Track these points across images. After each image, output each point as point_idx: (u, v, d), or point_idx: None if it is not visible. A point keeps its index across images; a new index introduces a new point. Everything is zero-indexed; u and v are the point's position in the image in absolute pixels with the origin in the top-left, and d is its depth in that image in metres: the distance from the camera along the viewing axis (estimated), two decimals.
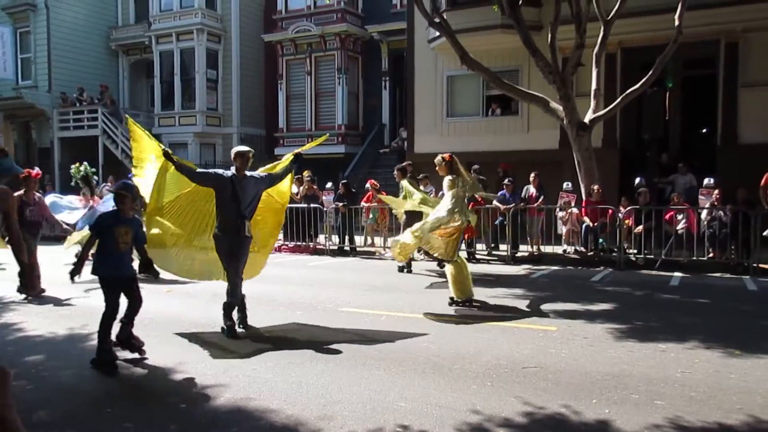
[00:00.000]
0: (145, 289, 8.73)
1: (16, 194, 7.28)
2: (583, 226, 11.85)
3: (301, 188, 14.09)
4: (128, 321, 5.36)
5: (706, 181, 11.68)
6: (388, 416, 3.92)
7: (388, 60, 21.67)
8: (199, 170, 6.30)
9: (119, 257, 5.26)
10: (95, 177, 14.33)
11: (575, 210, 12.24)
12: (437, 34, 14.73)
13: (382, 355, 5.34)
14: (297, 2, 21.91)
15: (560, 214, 12.45)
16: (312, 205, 13.66)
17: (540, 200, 12.37)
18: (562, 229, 12.58)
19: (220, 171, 6.42)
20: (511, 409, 4.03)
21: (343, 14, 21.06)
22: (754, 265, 10.05)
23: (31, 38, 23.71)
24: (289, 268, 9.69)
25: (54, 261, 12.75)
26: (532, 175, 12.76)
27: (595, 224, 11.66)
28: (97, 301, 8.03)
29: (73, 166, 14.66)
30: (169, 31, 22.90)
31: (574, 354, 5.35)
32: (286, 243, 14.07)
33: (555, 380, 4.64)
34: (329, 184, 15.32)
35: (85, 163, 15.00)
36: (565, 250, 12.19)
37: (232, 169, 6.19)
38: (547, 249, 12.12)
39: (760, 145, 12.85)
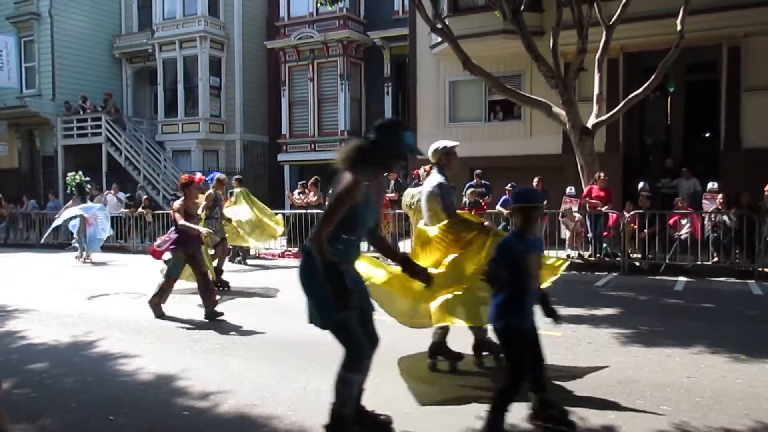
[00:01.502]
0: (147, 297, 8.77)
1: None
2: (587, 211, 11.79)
3: (310, 195, 14.09)
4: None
5: (709, 185, 11.65)
6: (394, 423, 3.89)
7: (390, 66, 21.70)
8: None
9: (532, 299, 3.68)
10: (88, 185, 14.44)
11: (578, 215, 12.22)
12: (439, 39, 14.75)
13: (388, 361, 5.31)
14: (299, 9, 21.96)
15: (564, 219, 12.43)
16: (316, 212, 13.67)
17: (543, 205, 12.34)
18: (566, 234, 12.55)
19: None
20: (516, 415, 4.00)
21: (345, 21, 21.12)
22: (759, 269, 10.00)
23: (35, 47, 23.82)
24: (294, 275, 9.66)
25: (57, 269, 12.78)
26: (536, 180, 12.76)
27: (600, 209, 11.55)
28: (99, 309, 8.06)
29: (69, 175, 14.80)
30: (172, 38, 23.00)
31: (578, 359, 5.33)
32: (290, 249, 14.08)
33: (560, 386, 4.61)
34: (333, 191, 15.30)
35: (80, 172, 15.11)
36: (568, 255, 12.15)
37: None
38: (551, 254, 12.06)
39: (763, 149, 12.82)
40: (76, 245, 14.21)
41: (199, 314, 7.53)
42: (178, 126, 23.28)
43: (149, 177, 21.72)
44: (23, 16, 23.75)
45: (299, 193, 14.73)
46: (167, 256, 7.38)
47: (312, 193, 14.14)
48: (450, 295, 4.60)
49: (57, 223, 14.04)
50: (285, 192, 19.12)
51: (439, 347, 5.17)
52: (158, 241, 7.95)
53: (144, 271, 12.30)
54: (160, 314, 7.31)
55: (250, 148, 23.81)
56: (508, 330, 3.57)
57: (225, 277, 9.78)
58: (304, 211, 13.80)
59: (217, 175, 9.95)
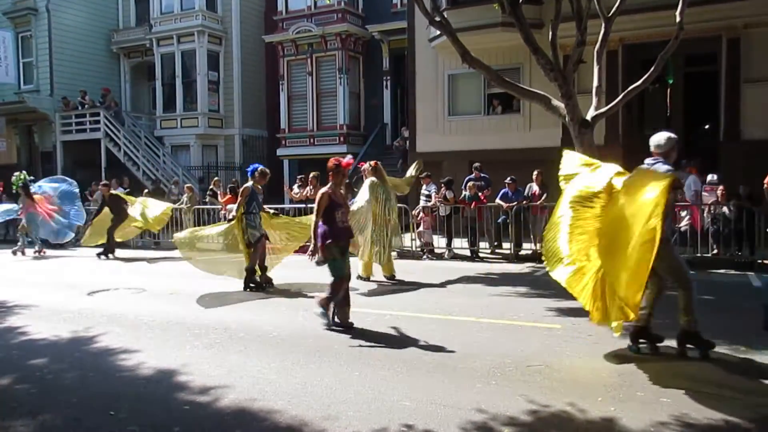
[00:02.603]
0: (148, 292, 8.79)
1: None
2: None
3: (308, 189, 14.03)
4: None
5: (709, 177, 11.64)
6: (392, 416, 3.91)
7: (389, 59, 21.65)
8: None
9: None
10: (33, 184, 14.65)
11: None
12: (438, 32, 14.69)
13: (386, 354, 5.33)
14: (297, 3, 21.89)
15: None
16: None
17: (543, 198, 12.35)
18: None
19: None
20: (516, 408, 4.02)
21: (343, 14, 21.05)
22: (759, 261, 10.01)
23: (33, 42, 23.73)
24: (293, 269, 9.68)
25: (58, 265, 12.79)
26: (535, 173, 12.74)
27: None
28: (100, 305, 8.07)
29: (15, 174, 14.87)
30: (169, 33, 22.92)
31: (578, 352, 5.34)
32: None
33: (560, 378, 4.62)
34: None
35: (24, 172, 15.22)
36: None
37: None
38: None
39: (762, 141, 12.80)
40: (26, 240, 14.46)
41: (199, 309, 7.53)
42: (176, 121, 23.23)
43: (148, 172, 21.70)
44: (20, 11, 23.65)
45: (298, 187, 14.71)
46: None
47: (312, 187, 14.11)
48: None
49: None
50: (284, 186, 19.12)
51: (642, 332, 5.33)
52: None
53: (144, 266, 12.32)
54: (329, 322, 6.28)
55: (249, 142, 23.77)
56: None
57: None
58: (303, 206, 13.77)
59: (260, 167, 9.22)
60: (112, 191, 14.29)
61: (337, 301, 6.25)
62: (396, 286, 9.20)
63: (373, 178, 9.59)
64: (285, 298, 8.20)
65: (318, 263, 6.26)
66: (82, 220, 14.54)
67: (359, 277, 9.39)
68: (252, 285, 8.75)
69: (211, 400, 4.30)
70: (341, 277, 6.21)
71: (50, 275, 11.20)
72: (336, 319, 6.30)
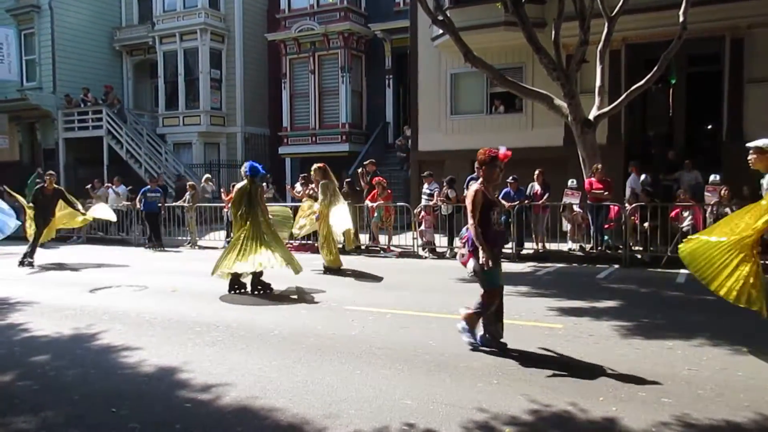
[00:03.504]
0: (150, 289, 8.80)
1: None
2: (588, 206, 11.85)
3: (310, 187, 13.99)
4: None
5: (712, 177, 11.62)
6: (394, 414, 3.91)
7: (391, 58, 21.64)
8: None
9: None
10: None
11: (577, 208, 12.20)
12: (440, 31, 14.69)
13: (387, 353, 5.32)
14: (300, 1, 21.87)
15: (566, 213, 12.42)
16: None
17: (545, 197, 12.34)
18: (567, 227, 12.54)
19: None
20: (518, 407, 4.02)
21: (346, 13, 21.04)
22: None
23: (36, 40, 23.76)
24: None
25: (58, 261, 12.79)
26: (537, 172, 12.74)
27: (604, 194, 11.60)
28: (101, 302, 8.08)
29: None
30: (172, 31, 22.92)
31: (580, 352, 5.33)
32: (291, 242, 14.06)
33: (561, 378, 4.62)
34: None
35: None
36: (570, 248, 12.15)
37: None
38: (552, 246, 12.09)
39: None
40: None
41: (200, 307, 7.53)
42: (178, 119, 23.25)
43: (150, 170, 21.72)
44: (23, 8, 23.67)
45: (300, 185, 14.69)
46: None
47: (314, 185, 14.09)
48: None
49: None
50: (286, 186, 19.13)
51: None
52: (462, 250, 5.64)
53: (146, 264, 12.32)
54: (475, 341, 5.45)
55: (251, 140, 23.78)
56: None
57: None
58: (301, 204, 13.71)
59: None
60: (55, 186, 12.62)
61: (489, 315, 5.41)
62: (393, 284, 9.19)
63: (325, 180, 10.21)
64: (286, 297, 8.20)
65: (473, 272, 5.34)
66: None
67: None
68: (259, 287, 8.56)
69: (212, 398, 4.30)
70: (494, 287, 5.32)
71: (51, 272, 11.22)
72: (482, 333, 5.48)
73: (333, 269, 10.27)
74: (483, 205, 5.23)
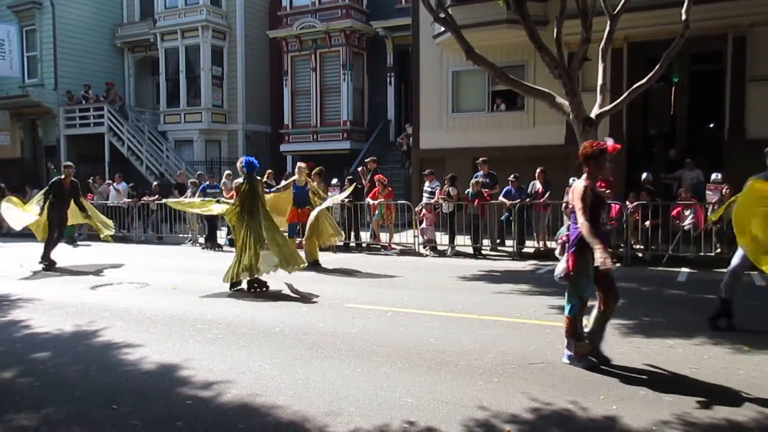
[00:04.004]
0: (152, 286, 8.81)
1: None
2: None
3: (313, 185, 13.97)
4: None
5: (713, 176, 11.61)
6: (394, 412, 3.91)
7: (393, 56, 21.62)
8: None
9: None
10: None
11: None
12: (442, 29, 14.67)
13: (388, 351, 5.33)
14: None
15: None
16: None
17: (546, 196, 12.33)
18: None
19: None
20: (518, 405, 4.02)
21: (347, 10, 21.02)
22: None
23: (37, 36, 23.78)
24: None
25: (64, 259, 12.81)
26: (538, 170, 12.72)
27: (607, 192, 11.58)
28: (103, 299, 8.09)
29: None
30: (174, 28, 22.93)
31: None
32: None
33: (562, 376, 4.62)
34: (335, 180, 15.33)
35: None
36: None
37: None
38: (554, 245, 12.07)
39: (767, 139, 12.74)
40: None
41: (202, 305, 7.54)
42: (180, 116, 23.25)
43: (152, 167, 21.73)
44: (25, 4, 23.68)
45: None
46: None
47: (315, 183, 14.09)
48: None
49: None
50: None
51: None
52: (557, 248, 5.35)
53: (147, 261, 12.34)
54: (588, 363, 4.90)
55: (252, 138, 23.78)
56: None
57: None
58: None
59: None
60: (72, 179, 11.77)
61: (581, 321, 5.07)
62: (393, 282, 9.19)
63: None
64: (287, 295, 8.21)
65: (562, 276, 5.03)
66: None
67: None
68: (255, 285, 8.54)
69: (213, 395, 4.30)
70: (585, 295, 4.98)
71: (52, 269, 11.22)
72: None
73: (312, 263, 10.37)
74: (593, 203, 4.81)
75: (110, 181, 18.20)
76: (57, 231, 11.45)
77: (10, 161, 24.66)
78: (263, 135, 24.24)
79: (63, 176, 11.61)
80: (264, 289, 8.41)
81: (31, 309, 7.38)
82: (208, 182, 15.29)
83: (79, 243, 15.37)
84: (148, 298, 7.96)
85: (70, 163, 12.12)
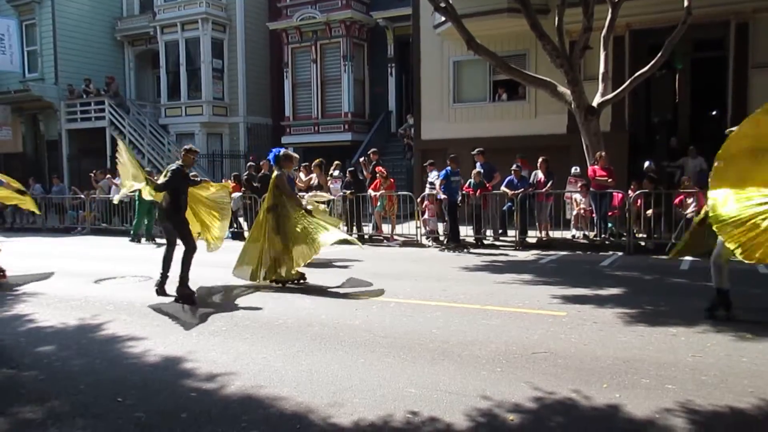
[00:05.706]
0: (155, 280, 8.81)
1: None
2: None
3: (313, 177, 13.98)
4: None
5: (716, 165, 11.55)
6: (398, 403, 3.92)
7: (393, 46, 21.54)
8: None
9: None
10: None
11: (578, 197, 12.17)
12: (443, 19, 14.62)
13: (391, 342, 5.34)
14: None
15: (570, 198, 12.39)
16: (319, 193, 13.59)
17: (548, 185, 12.31)
18: (571, 215, 12.52)
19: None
20: (521, 395, 4.03)
21: (348, 1, 20.91)
22: None
23: (37, 31, 23.72)
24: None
25: (67, 252, 12.85)
26: (540, 160, 12.69)
27: (608, 181, 11.56)
28: (106, 292, 8.11)
29: None
30: (173, 20, 22.85)
31: (583, 339, 5.33)
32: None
33: (565, 365, 4.63)
34: (336, 172, 15.29)
35: None
36: (573, 236, 12.14)
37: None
38: (556, 234, 12.08)
39: None
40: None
41: (206, 297, 7.56)
42: (181, 109, 23.22)
43: (153, 161, 21.72)
44: None
45: (304, 175, 14.68)
46: None
47: (315, 175, 14.08)
48: None
49: None
50: None
51: None
52: None
53: (150, 254, 12.35)
54: None
55: (254, 130, 23.75)
56: None
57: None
58: (304, 193, 13.71)
59: (283, 151, 8.44)
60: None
61: None
62: (396, 273, 9.20)
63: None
64: (290, 287, 8.22)
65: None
66: None
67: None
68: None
69: (217, 387, 4.32)
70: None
71: (56, 263, 11.25)
72: None
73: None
74: None
75: (110, 176, 18.18)
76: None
77: (12, 156, 24.68)
78: (265, 127, 24.20)
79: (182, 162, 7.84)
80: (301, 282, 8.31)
81: (35, 303, 7.41)
82: (450, 167, 14.58)
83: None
84: (152, 291, 7.97)
85: (192, 146, 8.17)
